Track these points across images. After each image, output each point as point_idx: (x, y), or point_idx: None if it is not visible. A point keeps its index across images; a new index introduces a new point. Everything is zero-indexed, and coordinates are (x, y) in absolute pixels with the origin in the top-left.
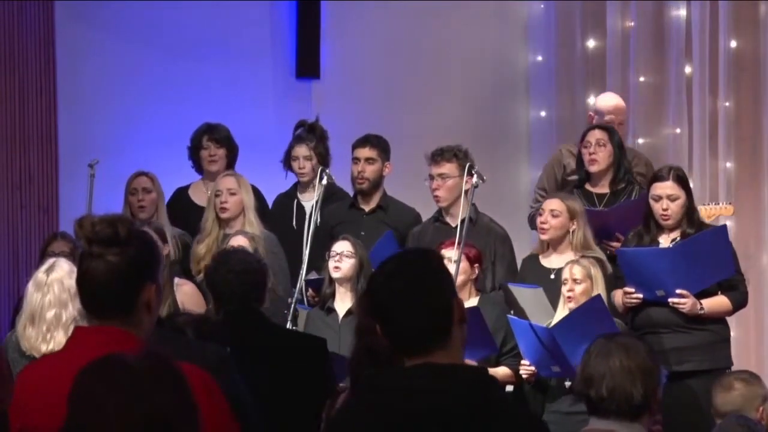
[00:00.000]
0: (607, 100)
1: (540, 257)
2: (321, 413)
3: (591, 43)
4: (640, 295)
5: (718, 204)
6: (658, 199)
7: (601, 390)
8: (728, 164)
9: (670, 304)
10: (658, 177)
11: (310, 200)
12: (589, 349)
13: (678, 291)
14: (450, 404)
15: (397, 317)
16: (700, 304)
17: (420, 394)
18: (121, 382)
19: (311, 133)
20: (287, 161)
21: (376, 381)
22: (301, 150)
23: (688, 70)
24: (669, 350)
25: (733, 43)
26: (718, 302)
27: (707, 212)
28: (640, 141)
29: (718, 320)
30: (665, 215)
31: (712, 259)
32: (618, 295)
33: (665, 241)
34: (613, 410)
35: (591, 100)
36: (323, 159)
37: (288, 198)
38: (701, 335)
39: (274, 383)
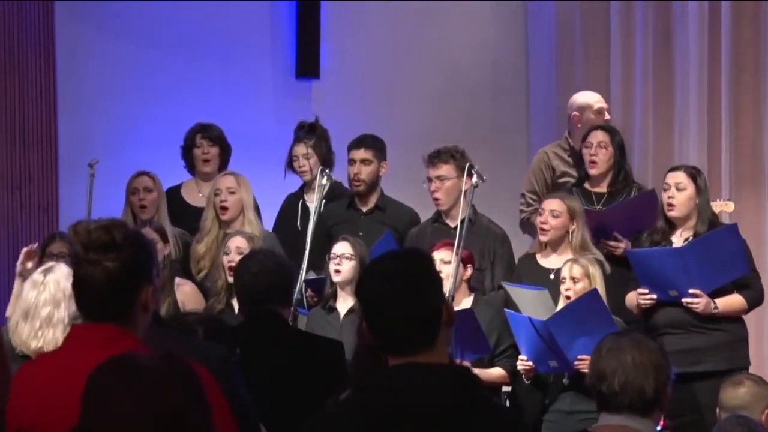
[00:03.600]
0: (588, 95)
1: (537, 257)
2: None
3: (591, 43)
4: (654, 296)
5: (717, 201)
6: (667, 188)
7: (613, 385)
8: (728, 164)
9: (684, 304)
10: (671, 169)
11: (315, 202)
12: (600, 345)
13: (691, 291)
14: (433, 403)
15: (388, 318)
16: (714, 303)
17: (403, 393)
18: (134, 382)
19: (311, 132)
20: (290, 163)
21: (361, 380)
22: (300, 149)
23: (689, 69)
24: (685, 351)
25: (734, 43)
26: (733, 301)
27: None
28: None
29: (735, 320)
30: (671, 204)
31: (724, 258)
32: (632, 297)
33: (678, 240)
34: (625, 405)
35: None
36: (324, 158)
37: (295, 198)
38: (717, 335)
39: (285, 384)
